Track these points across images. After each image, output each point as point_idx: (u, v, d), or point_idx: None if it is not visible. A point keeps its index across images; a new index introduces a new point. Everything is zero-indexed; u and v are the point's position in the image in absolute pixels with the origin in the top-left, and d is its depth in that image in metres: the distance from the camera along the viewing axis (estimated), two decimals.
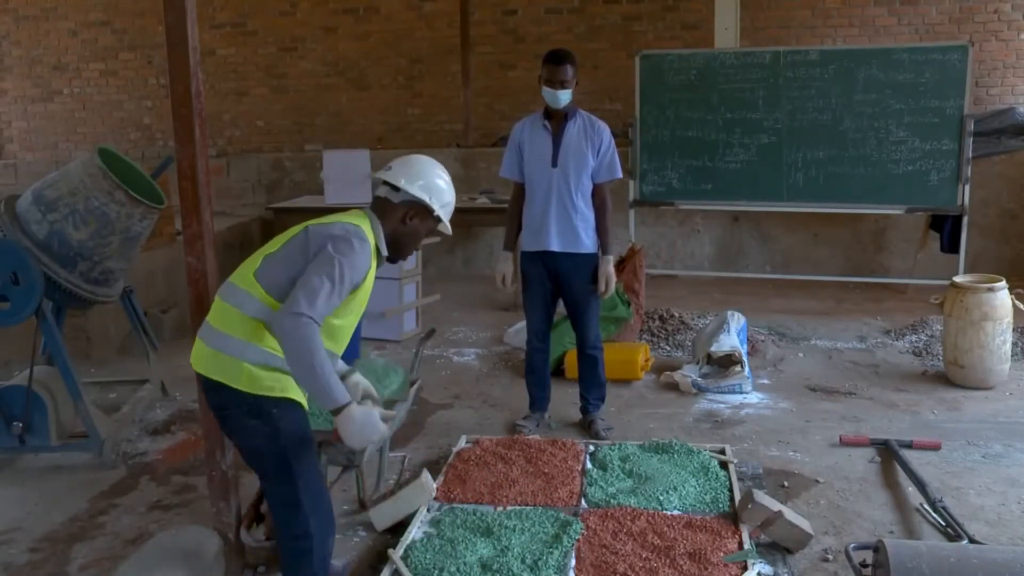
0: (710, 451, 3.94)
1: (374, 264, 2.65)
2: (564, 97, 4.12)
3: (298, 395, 2.62)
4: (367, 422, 2.47)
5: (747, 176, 7.14)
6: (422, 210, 2.73)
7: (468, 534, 3.21)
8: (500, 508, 3.45)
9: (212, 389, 2.61)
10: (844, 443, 4.15)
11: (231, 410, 2.60)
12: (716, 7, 7.92)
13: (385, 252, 2.72)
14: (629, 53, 8.45)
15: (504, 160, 4.38)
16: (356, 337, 5.52)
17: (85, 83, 10.27)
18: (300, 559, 2.65)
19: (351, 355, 4.90)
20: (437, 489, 3.58)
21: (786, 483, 3.77)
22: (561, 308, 4.43)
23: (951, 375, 5.02)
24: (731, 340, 5.08)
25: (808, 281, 7.45)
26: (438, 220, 2.78)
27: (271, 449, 2.58)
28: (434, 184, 2.75)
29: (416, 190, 2.70)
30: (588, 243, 4.23)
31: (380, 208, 2.73)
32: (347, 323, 2.68)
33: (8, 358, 5.33)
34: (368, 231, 2.65)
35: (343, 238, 2.54)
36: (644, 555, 3.05)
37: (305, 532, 2.62)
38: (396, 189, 2.71)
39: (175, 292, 6.29)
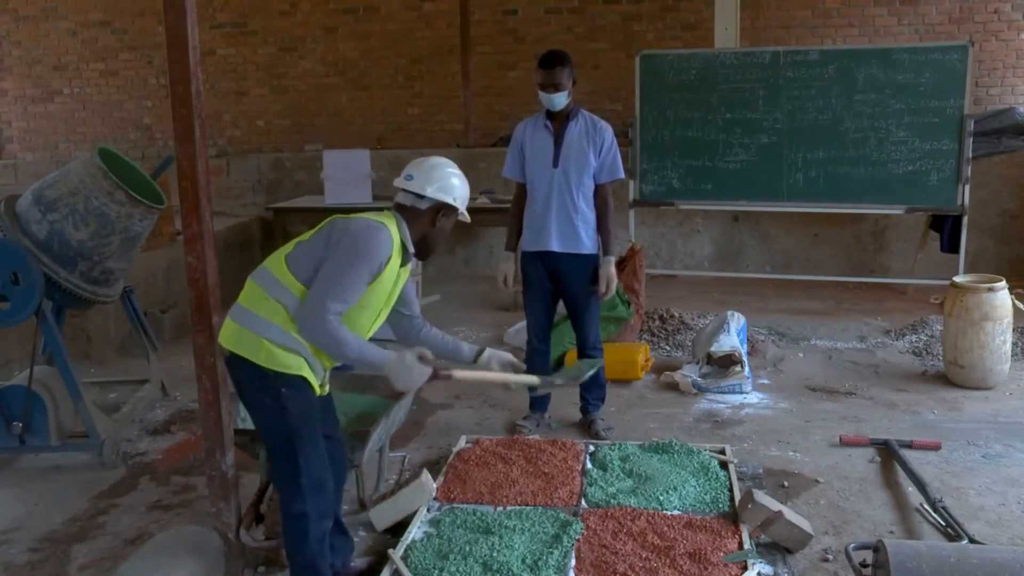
0: (710, 451, 3.94)
1: (397, 260, 2.80)
2: (559, 100, 4.12)
3: (311, 375, 2.78)
4: (403, 370, 2.74)
5: (747, 176, 7.13)
6: (447, 209, 2.91)
7: (468, 534, 3.21)
8: (500, 508, 3.45)
9: (232, 364, 2.80)
10: (844, 443, 4.15)
11: (245, 385, 2.80)
12: (716, 7, 7.91)
13: (412, 250, 2.88)
14: (629, 53, 8.46)
15: (506, 160, 4.39)
16: None
17: (85, 83, 10.27)
18: (298, 538, 2.80)
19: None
20: (437, 489, 3.58)
21: (786, 483, 3.77)
22: (561, 308, 4.43)
23: (951, 375, 5.02)
24: (731, 340, 5.08)
25: (808, 281, 7.45)
26: (459, 213, 2.98)
27: (277, 427, 2.76)
28: (451, 184, 2.91)
29: (439, 193, 2.86)
30: (589, 244, 4.23)
31: (406, 213, 2.88)
32: (364, 314, 2.82)
33: (8, 358, 5.33)
34: (393, 229, 2.80)
35: (362, 231, 2.72)
36: (644, 555, 3.05)
37: (303, 513, 2.78)
38: (420, 196, 2.85)
39: (175, 292, 6.29)
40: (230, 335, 2.78)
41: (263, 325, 2.71)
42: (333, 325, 2.64)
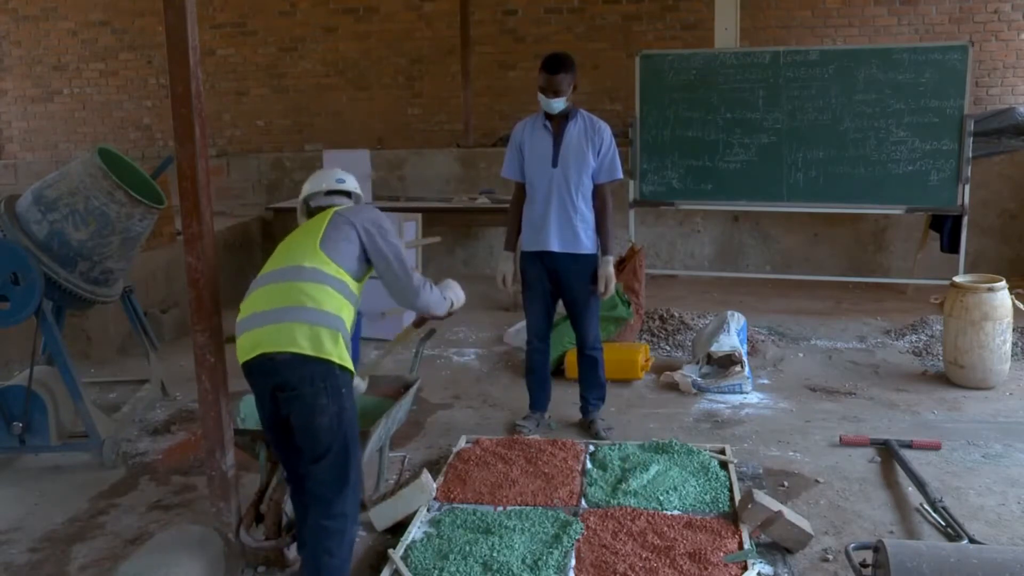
0: (710, 451, 3.94)
1: None
2: (558, 105, 4.13)
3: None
4: (457, 291, 3.38)
5: (747, 176, 7.13)
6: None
7: (468, 534, 3.21)
8: (500, 508, 3.45)
9: (292, 365, 2.73)
10: (844, 443, 4.15)
11: (306, 387, 2.73)
12: (716, 7, 7.91)
13: None
14: (629, 53, 8.46)
15: (505, 160, 4.39)
16: (356, 336, 5.54)
17: (85, 83, 10.26)
18: (332, 539, 2.77)
19: (352, 356, 4.90)
20: (437, 489, 3.58)
21: (786, 483, 3.77)
22: (561, 308, 4.43)
23: (951, 375, 5.02)
24: (731, 340, 5.08)
25: (808, 281, 7.45)
26: None
27: (336, 428, 2.77)
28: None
29: (360, 189, 3.35)
30: (588, 243, 4.23)
31: None
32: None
33: (8, 358, 5.33)
34: None
35: (382, 217, 3.10)
36: (644, 555, 3.05)
37: (343, 512, 2.79)
38: (351, 194, 3.27)
39: (175, 292, 6.29)
40: (289, 336, 2.71)
41: (335, 320, 2.79)
42: (425, 290, 3.11)
